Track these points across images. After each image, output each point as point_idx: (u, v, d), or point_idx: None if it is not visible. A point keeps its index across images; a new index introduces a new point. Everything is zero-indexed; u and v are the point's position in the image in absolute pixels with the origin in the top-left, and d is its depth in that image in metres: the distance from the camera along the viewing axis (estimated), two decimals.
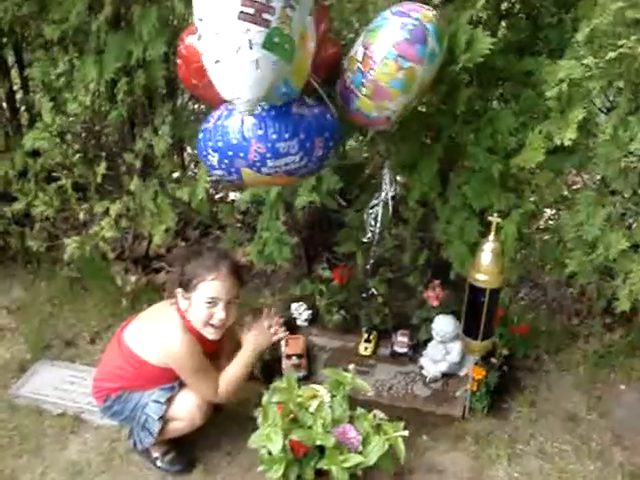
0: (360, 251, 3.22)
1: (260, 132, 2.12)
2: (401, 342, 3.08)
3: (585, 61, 2.18)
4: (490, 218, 2.44)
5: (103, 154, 3.51)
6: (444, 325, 2.90)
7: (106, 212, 3.28)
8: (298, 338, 3.06)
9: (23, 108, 3.88)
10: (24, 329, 3.38)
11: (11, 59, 3.78)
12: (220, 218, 3.68)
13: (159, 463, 2.61)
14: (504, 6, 2.78)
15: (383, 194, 2.65)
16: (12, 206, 3.50)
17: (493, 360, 2.85)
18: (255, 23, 1.77)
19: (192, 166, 3.88)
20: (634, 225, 2.48)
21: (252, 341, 2.54)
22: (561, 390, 2.99)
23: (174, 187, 3.21)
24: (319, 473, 2.26)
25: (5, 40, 3.60)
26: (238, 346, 2.61)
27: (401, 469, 2.54)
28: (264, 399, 2.37)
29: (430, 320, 2.99)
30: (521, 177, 2.62)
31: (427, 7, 2.19)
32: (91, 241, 3.30)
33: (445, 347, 2.93)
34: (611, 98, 2.70)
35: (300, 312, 3.31)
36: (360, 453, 2.25)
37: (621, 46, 2.06)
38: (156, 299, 2.80)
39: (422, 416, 2.81)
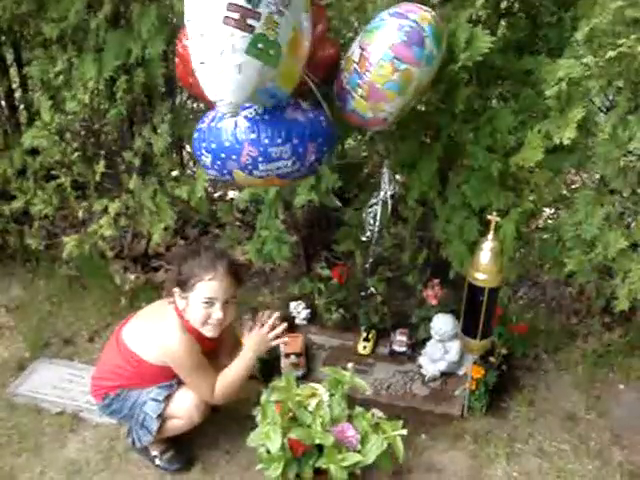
0: (359, 250, 3.23)
1: (253, 136, 2.13)
2: (400, 341, 3.08)
3: (584, 60, 2.18)
4: (489, 217, 2.44)
5: (102, 152, 3.50)
6: (443, 324, 2.90)
7: (105, 210, 3.28)
8: (297, 337, 3.06)
9: (22, 106, 3.88)
10: (23, 327, 3.38)
11: (10, 57, 3.78)
12: (219, 217, 3.68)
13: (158, 461, 2.61)
14: (503, 5, 2.78)
15: (382, 193, 2.65)
16: (11, 204, 3.50)
17: (492, 359, 2.85)
18: (239, 28, 1.77)
19: (191, 164, 3.88)
20: (633, 224, 2.49)
21: (250, 346, 2.52)
22: (560, 389, 2.99)
23: (173, 185, 3.20)
24: (318, 472, 2.26)
25: (4, 38, 3.60)
26: (237, 344, 2.61)
27: (400, 468, 2.55)
28: (263, 398, 2.37)
29: (429, 319, 2.99)
30: (520, 176, 2.62)
31: (425, 8, 2.18)
32: (90, 239, 3.30)
33: (444, 346, 2.93)
34: (610, 97, 2.70)
35: (299, 311, 3.31)
36: (359, 452, 2.24)
37: (620, 45, 2.06)
38: (155, 298, 2.80)
39: (421, 415, 2.81)
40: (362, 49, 2.14)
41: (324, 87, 2.30)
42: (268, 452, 2.24)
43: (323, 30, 2.25)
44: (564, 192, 2.86)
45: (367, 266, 3.05)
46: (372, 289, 3.14)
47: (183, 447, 2.64)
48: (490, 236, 2.42)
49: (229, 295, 2.43)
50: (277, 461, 2.21)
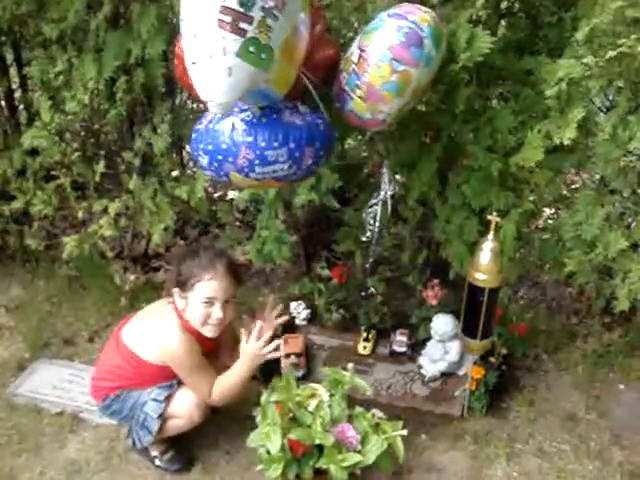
0: (359, 250, 3.22)
1: (250, 139, 2.14)
2: (400, 341, 3.07)
3: (585, 60, 2.18)
4: (489, 217, 2.44)
5: (102, 153, 3.50)
6: (443, 324, 2.90)
7: (105, 211, 3.28)
8: (297, 337, 3.06)
9: (22, 107, 3.88)
10: (23, 328, 3.38)
11: (10, 57, 3.77)
12: (219, 217, 3.68)
13: (158, 462, 2.61)
14: (504, 5, 2.77)
15: (382, 193, 2.65)
16: (11, 205, 3.50)
17: (492, 359, 2.85)
18: (231, 31, 1.78)
19: (191, 165, 3.88)
20: (633, 224, 2.49)
21: (246, 357, 2.49)
22: (560, 389, 2.99)
23: (173, 186, 3.20)
24: (318, 472, 2.26)
25: (4, 38, 3.60)
26: (237, 344, 2.61)
27: (400, 468, 2.55)
28: (263, 398, 2.37)
29: (429, 319, 2.99)
30: (520, 176, 2.62)
31: (425, 9, 2.18)
32: (90, 240, 3.30)
33: (444, 346, 2.93)
34: (611, 97, 2.70)
35: (299, 311, 3.31)
36: (359, 452, 2.25)
37: (621, 45, 2.06)
38: (155, 298, 2.80)
39: (421, 415, 2.81)
40: (361, 50, 2.14)
41: (323, 88, 2.30)
42: (268, 452, 2.24)
43: (321, 31, 2.24)
44: (564, 192, 2.86)
45: (367, 266, 3.05)
46: (372, 289, 3.14)
47: (183, 447, 2.64)
48: (490, 236, 2.42)
49: (229, 295, 2.43)
50: (277, 461, 2.21)
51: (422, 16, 2.13)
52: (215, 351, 2.61)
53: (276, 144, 2.14)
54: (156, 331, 2.45)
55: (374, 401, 2.77)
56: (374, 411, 2.39)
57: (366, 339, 3.14)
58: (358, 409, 2.39)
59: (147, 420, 2.47)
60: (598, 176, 2.66)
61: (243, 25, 1.78)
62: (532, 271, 3.55)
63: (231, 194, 4.03)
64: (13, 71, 3.84)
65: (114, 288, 3.54)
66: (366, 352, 3.11)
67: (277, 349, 2.55)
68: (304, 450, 2.22)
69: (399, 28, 2.09)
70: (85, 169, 3.39)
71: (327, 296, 3.24)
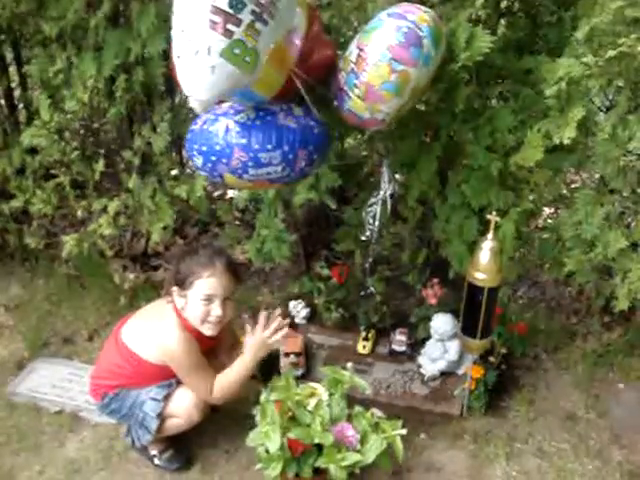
0: (359, 249, 3.22)
1: (243, 141, 2.15)
2: (399, 340, 3.07)
3: (584, 60, 2.18)
4: (489, 217, 2.44)
5: (101, 151, 3.50)
6: (442, 324, 2.90)
7: (104, 210, 3.28)
8: (296, 336, 3.06)
9: (21, 105, 3.87)
10: (22, 327, 3.38)
11: (9, 56, 3.77)
12: (219, 216, 3.68)
13: (157, 461, 2.61)
14: (503, 4, 2.77)
15: (382, 192, 2.64)
16: (10, 204, 3.50)
17: (491, 359, 2.85)
18: (217, 31, 1.78)
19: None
20: (633, 224, 2.49)
21: (251, 349, 2.50)
22: (559, 389, 2.99)
23: (172, 185, 3.20)
24: (317, 471, 2.26)
25: (3, 37, 3.59)
26: (236, 343, 2.61)
27: (399, 467, 2.55)
28: (262, 397, 2.37)
29: (428, 319, 2.99)
30: (520, 176, 2.61)
31: (425, 9, 2.17)
32: (89, 239, 3.29)
33: (443, 346, 2.93)
34: (610, 97, 2.70)
35: (298, 310, 3.31)
36: (358, 451, 2.25)
37: (621, 45, 2.06)
38: (154, 297, 2.80)
39: (420, 414, 2.81)
40: (360, 49, 2.13)
41: (320, 88, 2.31)
42: (267, 452, 2.24)
43: (318, 31, 2.24)
44: (564, 192, 2.86)
45: (367, 265, 3.05)
46: (372, 288, 3.14)
47: (182, 446, 2.64)
48: (490, 236, 2.42)
49: (228, 292, 2.43)
50: (276, 461, 2.21)
51: (421, 16, 2.13)
52: (214, 350, 2.60)
53: (269, 147, 2.16)
54: (155, 330, 2.45)
55: (373, 400, 2.77)
56: (373, 410, 2.39)
57: (365, 338, 3.14)
58: (357, 408, 2.39)
59: (146, 419, 2.47)
60: (598, 175, 2.66)
61: (230, 26, 1.79)
62: (532, 270, 3.56)
63: (230, 193, 4.03)
64: (12, 70, 3.83)
65: (113, 287, 3.54)
66: (365, 351, 3.11)
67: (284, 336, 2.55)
68: (303, 449, 2.22)
69: (398, 28, 2.08)
70: (84, 168, 3.38)
71: (326, 295, 3.24)
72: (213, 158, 2.20)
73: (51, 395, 2.95)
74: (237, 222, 4.00)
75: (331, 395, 2.37)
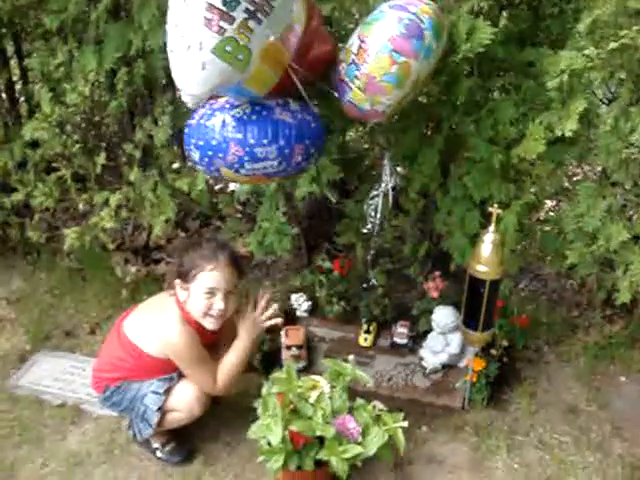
0: (360, 242, 3.22)
1: (239, 136, 2.16)
2: (401, 333, 3.08)
3: (586, 52, 2.17)
4: (490, 209, 2.43)
5: (103, 144, 3.50)
6: (444, 316, 2.90)
7: (106, 203, 3.28)
8: (298, 329, 3.07)
9: (22, 99, 3.87)
10: (24, 320, 3.39)
11: (10, 49, 3.77)
12: (220, 209, 3.68)
13: (159, 454, 2.61)
14: None
15: (383, 185, 2.64)
16: (11, 197, 3.49)
17: (493, 351, 2.85)
18: (209, 28, 1.79)
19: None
20: (635, 217, 2.49)
21: (245, 330, 2.52)
22: (561, 382, 2.99)
23: (174, 178, 3.20)
24: (319, 464, 2.26)
25: (4, 30, 3.59)
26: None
27: (400, 460, 2.55)
28: (264, 390, 2.38)
29: (430, 311, 2.99)
30: (522, 168, 2.61)
31: (426, 1, 2.17)
32: (91, 232, 3.29)
33: (445, 338, 2.93)
34: (612, 89, 2.69)
35: (300, 303, 3.31)
36: (360, 444, 2.25)
37: (622, 37, 2.06)
38: (156, 290, 2.80)
39: (422, 407, 2.81)
40: (361, 41, 2.13)
41: (320, 82, 2.30)
42: (269, 444, 2.24)
43: (316, 26, 2.24)
44: (566, 184, 2.86)
45: (368, 258, 3.05)
46: (373, 281, 3.14)
47: (184, 439, 2.64)
48: (491, 228, 2.42)
49: (230, 286, 2.43)
50: (278, 453, 2.22)
51: (423, 8, 2.13)
52: (215, 344, 2.60)
53: (265, 141, 2.16)
54: (157, 323, 2.45)
55: (375, 393, 2.77)
56: (375, 403, 2.39)
57: (367, 331, 3.14)
58: (359, 401, 2.39)
59: (147, 412, 2.48)
60: (600, 168, 2.66)
61: (223, 24, 1.79)
62: (533, 263, 3.56)
63: (232, 186, 4.03)
64: (14, 63, 3.84)
65: (115, 280, 3.55)
66: (367, 344, 3.11)
67: (276, 316, 2.59)
68: (305, 442, 2.23)
69: (400, 19, 2.08)
70: (86, 161, 3.38)
71: (328, 288, 3.24)
72: (210, 153, 2.21)
73: (53, 388, 2.95)
74: (238, 215, 4.00)
75: (333, 388, 2.37)
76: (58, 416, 2.81)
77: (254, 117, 2.17)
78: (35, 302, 3.52)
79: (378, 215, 2.71)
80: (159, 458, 2.61)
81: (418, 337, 3.08)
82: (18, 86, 3.88)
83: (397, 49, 2.06)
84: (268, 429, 2.24)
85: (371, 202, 2.72)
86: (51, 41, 3.15)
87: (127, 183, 3.28)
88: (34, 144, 3.38)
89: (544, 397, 2.91)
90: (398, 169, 2.85)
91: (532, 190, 2.64)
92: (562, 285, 3.53)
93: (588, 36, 2.23)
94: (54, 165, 3.46)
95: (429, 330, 3.01)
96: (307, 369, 2.93)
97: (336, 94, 2.28)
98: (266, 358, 2.94)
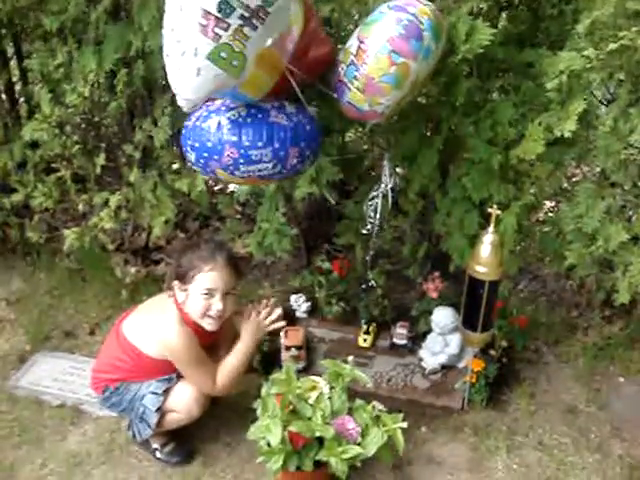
0: (360, 243, 3.22)
1: (234, 138, 2.16)
2: (400, 334, 3.08)
3: (585, 53, 2.17)
4: (490, 210, 2.44)
5: (102, 145, 3.50)
6: (443, 317, 2.90)
7: (105, 203, 3.28)
8: (297, 330, 3.06)
9: (22, 99, 3.87)
10: (24, 320, 3.39)
11: (10, 50, 3.77)
12: (219, 209, 3.68)
13: (159, 454, 2.61)
14: None
15: (383, 186, 2.65)
16: (11, 197, 3.50)
17: (492, 352, 2.85)
18: (205, 35, 1.80)
19: None
20: (634, 217, 2.48)
21: (248, 333, 2.54)
22: (560, 382, 2.99)
23: (173, 178, 3.20)
24: (318, 464, 2.26)
25: (4, 31, 3.59)
26: (237, 337, 2.61)
27: (400, 460, 2.56)
28: (263, 390, 2.38)
29: (429, 312, 2.99)
30: (521, 169, 2.61)
31: (425, 2, 2.17)
32: (90, 232, 3.29)
33: (444, 339, 2.93)
34: (611, 90, 2.69)
35: (299, 304, 3.32)
36: (359, 444, 2.25)
37: (622, 38, 2.06)
38: (156, 291, 2.81)
39: (421, 408, 2.81)
40: (360, 41, 2.13)
41: (319, 84, 2.30)
42: (269, 445, 2.24)
43: (315, 27, 2.24)
44: (565, 185, 2.86)
45: (367, 259, 3.05)
46: (372, 282, 3.14)
47: (184, 440, 2.65)
48: (490, 229, 2.42)
49: (229, 286, 2.43)
50: (277, 454, 2.22)
51: (422, 9, 2.13)
52: (215, 345, 2.61)
53: (260, 144, 2.17)
54: (156, 324, 2.46)
55: (374, 394, 2.77)
56: (374, 403, 2.40)
57: (366, 332, 3.14)
58: (358, 402, 2.39)
59: (145, 413, 2.48)
60: (599, 169, 2.66)
61: (218, 30, 1.80)
62: (532, 264, 3.56)
63: (231, 187, 4.03)
64: (13, 64, 3.84)
65: (115, 281, 3.55)
66: (366, 345, 3.11)
67: (278, 319, 2.61)
68: (304, 442, 2.23)
69: (399, 20, 2.08)
70: (86, 162, 3.39)
71: (327, 289, 3.24)
72: (205, 154, 2.22)
73: (53, 389, 2.96)
74: (238, 216, 4.01)
75: (332, 388, 2.37)
76: (58, 416, 2.81)
77: (249, 120, 2.18)
78: (35, 303, 3.52)
79: (377, 216, 2.71)
80: (159, 459, 2.61)
81: (417, 338, 3.08)
82: (18, 87, 3.88)
83: (396, 50, 2.06)
84: (267, 430, 2.24)
85: (370, 203, 2.72)
86: (51, 42, 3.15)
87: (127, 184, 3.28)
88: (34, 145, 3.38)
89: (543, 398, 2.91)
90: (397, 170, 2.85)
91: (531, 191, 2.64)
92: (561, 286, 3.53)
93: (587, 37, 2.23)
94: (54, 166, 3.46)
95: (428, 331, 3.01)
96: (306, 370, 2.94)
97: (335, 95, 2.28)
98: (265, 359, 2.94)
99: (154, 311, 2.53)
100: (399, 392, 2.87)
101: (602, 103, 2.75)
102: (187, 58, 1.83)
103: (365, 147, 3.50)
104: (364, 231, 2.83)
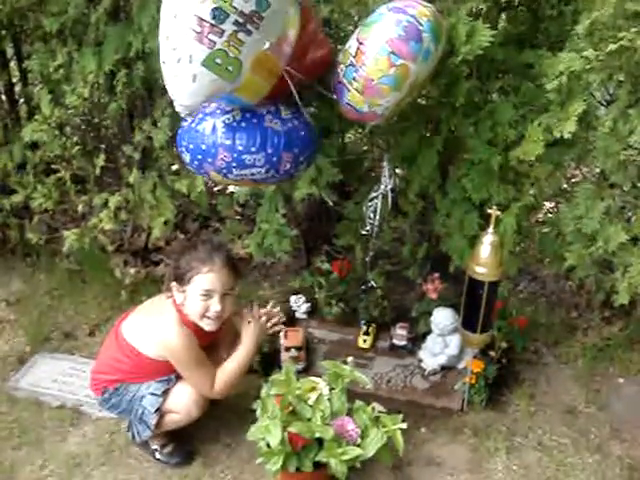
0: (359, 244, 3.22)
1: (228, 142, 2.18)
2: (400, 335, 3.08)
3: (585, 54, 2.17)
4: (489, 211, 2.44)
5: (102, 146, 3.50)
6: (443, 318, 2.90)
7: (105, 204, 3.28)
8: (297, 331, 3.06)
9: (22, 100, 3.88)
10: (23, 321, 3.39)
11: (10, 51, 3.77)
12: (219, 210, 3.68)
13: (158, 455, 2.61)
14: None
15: (382, 187, 2.65)
16: (11, 199, 3.50)
17: (492, 353, 2.85)
18: (200, 42, 1.81)
19: None
20: (633, 218, 2.48)
21: (248, 336, 2.53)
22: (560, 383, 2.99)
23: (173, 179, 3.20)
24: (317, 465, 2.26)
25: (4, 32, 3.59)
26: (237, 337, 2.61)
27: (399, 461, 2.56)
28: (263, 391, 2.38)
29: (429, 313, 2.99)
30: (521, 170, 2.61)
31: (425, 4, 2.17)
32: (90, 233, 3.30)
33: (444, 340, 2.93)
34: (611, 91, 2.69)
35: (299, 304, 3.32)
36: (358, 446, 2.25)
37: (621, 39, 2.06)
38: (155, 291, 2.80)
39: (421, 409, 2.81)
40: (359, 43, 2.13)
41: (318, 86, 2.30)
42: (268, 446, 2.24)
43: (313, 29, 2.24)
44: (564, 186, 2.87)
45: (367, 260, 3.05)
46: (372, 283, 3.14)
47: (183, 441, 2.64)
48: (490, 230, 2.42)
49: (227, 287, 2.43)
50: (277, 455, 2.22)
51: (422, 10, 2.12)
52: (214, 346, 2.61)
53: (253, 149, 2.18)
54: (155, 325, 2.45)
55: (374, 395, 2.77)
56: (374, 405, 2.40)
57: (366, 333, 3.14)
58: (358, 403, 2.39)
59: (145, 414, 2.48)
60: (598, 170, 2.66)
61: (212, 37, 1.81)
62: (532, 265, 3.56)
63: (231, 188, 4.03)
64: (13, 65, 3.84)
65: (114, 282, 3.55)
66: (366, 346, 3.11)
67: (279, 322, 2.63)
68: (304, 443, 2.23)
69: (398, 22, 2.08)
70: (85, 163, 3.39)
71: (327, 290, 3.24)
72: (199, 157, 2.24)
73: (52, 390, 2.95)
74: (238, 217, 4.01)
75: (332, 389, 2.37)
76: (57, 418, 2.81)
77: (243, 124, 2.19)
78: (34, 304, 3.52)
79: (377, 217, 2.71)
80: (158, 459, 2.61)
81: (417, 339, 3.08)
82: (18, 88, 3.88)
83: (395, 51, 2.06)
84: (267, 431, 2.24)
85: (370, 204, 2.72)
86: (51, 43, 3.15)
87: (126, 185, 3.29)
88: (33, 146, 3.39)
89: (543, 399, 2.91)
90: (397, 171, 2.85)
91: (531, 192, 2.64)
92: (561, 287, 3.53)
93: (587, 38, 2.23)
94: (53, 167, 3.47)
95: (428, 332, 3.01)
96: (306, 371, 2.94)
97: (334, 96, 2.28)
98: (265, 360, 2.94)
99: (153, 312, 2.53)
100: (399, 393, 2.87)
101: (602, 104, 2.75)
102: (183, 65, 1.85)
103: (365, 148, 3.50)
104: (364, 232, 2.83)
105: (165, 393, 2.48)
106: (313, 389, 2.36)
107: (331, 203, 3.05)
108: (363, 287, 3.18)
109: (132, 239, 3.82)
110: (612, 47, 2.08)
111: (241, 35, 1.84)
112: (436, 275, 3.04)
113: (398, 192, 2.86)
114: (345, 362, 2.46)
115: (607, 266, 2.69)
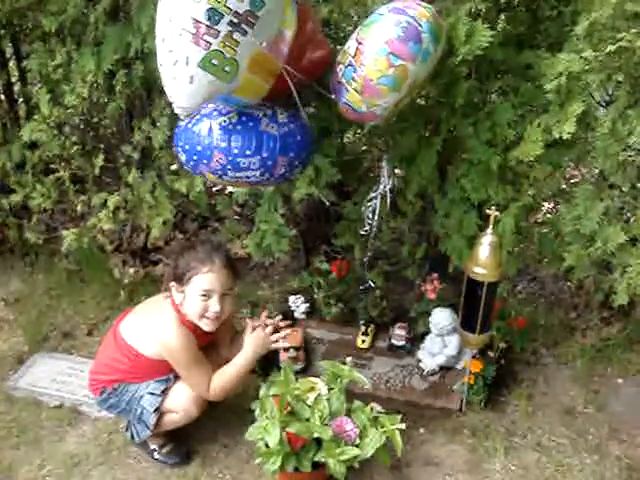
0: (358, 244, 3.22)
1: (223, 144, 2.18)
2: (399, 335, 3.08)
3: (584, 54, 2.18)
4: (488, 211, 2.44)
5: (101, 146, 3.50)
6: (442, 318, 2.90)
7: (104, 204, 3.28)
8: (296, 331, 3.06)
9: (21, 100, 3.88)
10: (22, 321, 3.39)
11: (9, 51, 3.77)
12: (218, 210, 3.67)
13: (157, 455, 2.61)
14: None
15: (381, 187, 2.65)
16: (10, 198, 3.50)
17: (490, 353, 2.85)
18: (195, 43, 1.81)
19: None
20: (632, 219, 2.48)
21: (251, 346, 2.51)
22: (558, 384, 2.99)
23: (172, 179, 3.20)
24: (316, 466, 2.26)
25: (3, 32, 3.59)
26: (236, 336, 2.61)
27: (398, 462, 2.55)
28: (261, 391, 2.38)
29: (428, 313, 2.99)
30: (519, 170, 2.62)
31: (425, 5, 2.17)
32: (89, 233, 3.30)
33: (443, 340, 2.93)
34: (610, 92, 2.69)
35: (298, 305, 3.32)
36: (357, 446, 2.25)
37: (620, 39, 2.06)
38: (154, 291, 2.80)
39: (419, 409, 2.81)
40: (358, 43, 2.13)
41: (317, 86, 2.30)
42: (267, 446, 2.25)
43: (311, 29, 2.24)
44: (563, 186, 2.86)
45: (366, 260, 3.05)
46: (371, 283, 3.14)
47: (182, 441, 2.64)
48: (489, 230, 2.42)
49: (226, 287, 2.43)
50: (276, 455, 2.22)
51: (421, 11, 2.13)
52: (213, 345, 2.61)
53: (248, 152, 2.19)
54: (153, 325, 2.45)
55: (373, 395, 2.77)
56: (373, 405, 2.40)
57: (365, 333, 3.14)
58: (357, 403, 2.39)
59: (144, 414, 2.47)
60: (597, 170, 2.66)
61: (208, 38, 1.82)
62: (531, 265, 3.55)
63: (230, 188, 4.03)
64: (12, 64, 3.84)
65: (113, 282, 3.55)
66: (365, 346, 3.11)
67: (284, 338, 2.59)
68: (302, 443, 2.23)
69: (398, 22, 2.08)
70: (84, 162, 3.39)
71: (326, 290, 3.24)
72: (195, 157, 2.24)
73: (51, 389, 2.95)
74: (237, 217, 4.01)
75: (330, 389, 2.38)
76: (56, 417, 2.81)
77: (239, 127, 2.19)
78: (33, 303, 3.52)
79: (376, 217, 2.72)
80: (157, 459, 2.61)
81: (416, 339, 3.08)
82: (16, 87, 3.88)
83: (394, 52, 2.06)
84: (266, 431, 2.24)
85: (369, 204, 2.72)
86: (50, 42, 3.15)
87: (125, 185, 3.28)
88: (32, 145, 3.39)
89: (541, 399, 2.91)
90: (396, 171, 2.85)
91: (530, 192, 2.65)
92: (560, 287, 3.53)
93: (586, 39, 2.23)
94: (52, 166, 3.47)
95: (427, 332, 3.01)
96: (305, 371, 2.94)
97: (333, 96, 2.28)
98: (264, 360, 2.93)
99: (152, 312, 2.53)
100: (397, 393, 2.87)
101: (601, 105, 2.75)
102: (179, 67, 1.86)
103: (364, 148, 3.49)
104: (363, 232, 2.83)
105: (164, 393, 2.48)
106: (312, 389, 2.37)
107: (328, 203, 3.04)
108: (362, 287, 3.18)
109: (131, 239, 3.82)
110: (611, 48, 2.08)
111: (236, 35, 1.84)
112: (435, 275, 3.04)
113: (397, 192, 2.86)
114: (344, 362, 2.46)
115: (606, 267, 2.69)
